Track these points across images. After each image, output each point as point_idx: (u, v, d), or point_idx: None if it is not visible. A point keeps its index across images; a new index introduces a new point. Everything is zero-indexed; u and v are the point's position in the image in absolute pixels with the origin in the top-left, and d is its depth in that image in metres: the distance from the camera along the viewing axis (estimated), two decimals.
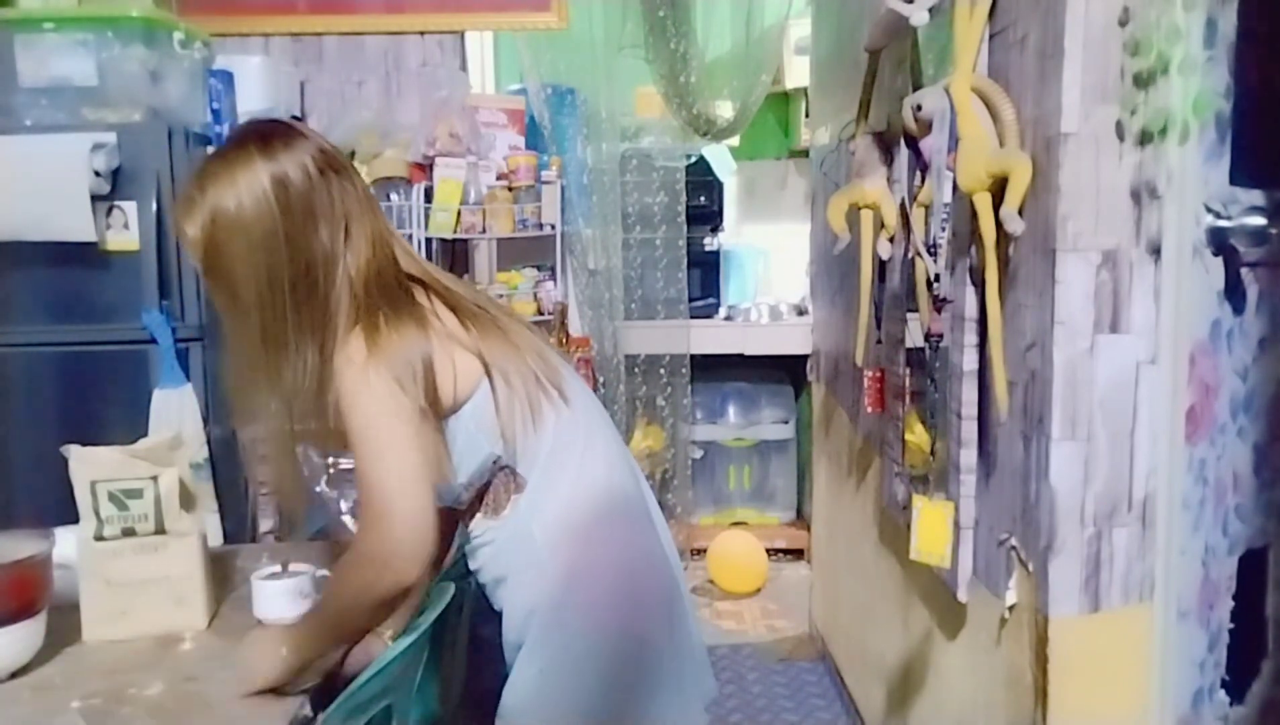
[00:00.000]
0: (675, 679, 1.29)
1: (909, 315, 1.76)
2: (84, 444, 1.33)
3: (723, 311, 3.77)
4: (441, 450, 1.19)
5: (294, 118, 3.09)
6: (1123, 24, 1.22)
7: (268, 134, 1.20)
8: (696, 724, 1.33)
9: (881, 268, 1.86)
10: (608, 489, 1.29)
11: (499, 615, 1.31)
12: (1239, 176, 1.31)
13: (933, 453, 1.66)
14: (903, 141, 1.63)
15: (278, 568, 1.43)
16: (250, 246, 1.15)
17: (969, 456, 1.50)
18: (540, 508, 1.24)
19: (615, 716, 1.24)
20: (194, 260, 1.21)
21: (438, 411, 1.18)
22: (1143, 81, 1.23)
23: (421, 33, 3.19)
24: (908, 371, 1.78)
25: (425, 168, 2.99)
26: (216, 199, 1.16)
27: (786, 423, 3.86)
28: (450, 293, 1.26)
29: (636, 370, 3.60)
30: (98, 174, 2.34)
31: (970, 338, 1.46)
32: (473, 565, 1.31)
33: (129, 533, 1.33)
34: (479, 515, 1.28)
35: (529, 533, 1.24)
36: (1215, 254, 1.31)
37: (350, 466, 2.89)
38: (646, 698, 1.25)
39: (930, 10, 1.48)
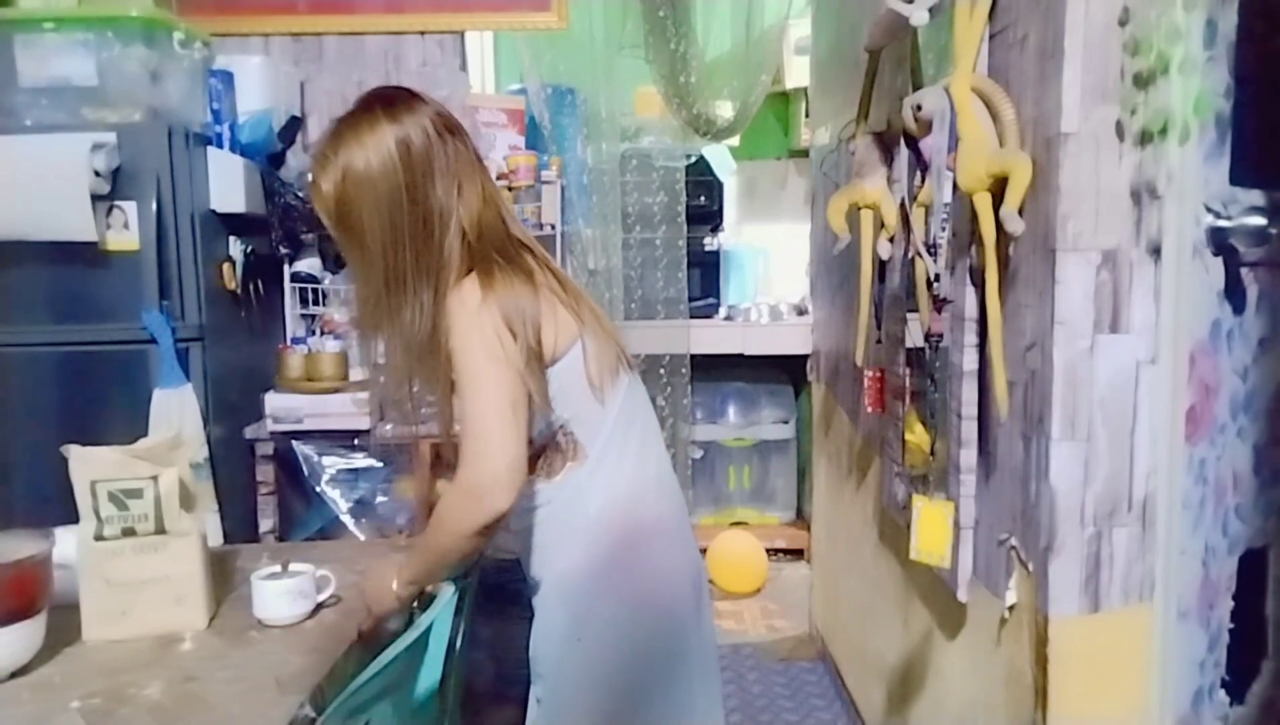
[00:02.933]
0: (700, 664, 1.37)
1: (909, 315, 1.76)
2: (84, 444, 1.33)
3: (723, 311, 3.77)
4: (544, 390, 1.27)
5: (294, 118, 3.10)
6: (1123, 24, 1.22)
7: (392, 98, 1.31)
8: (718, 713, 1.41)
9: (881, 268, 1.86)
10: (658, 476, 1.38)
11: (519, 597, 1.36)
12: (1239, 176, 1.31)
13: (933, 453, 1.66)
14: (903, 141, 1.62)
15: (278, 568, 1.43)
16: (376, 200, 1.26)
17: (969, 456, 1.50)
18: (599, 478, 1.31)
19: (649, 691, 1.32)
20: (324, 213, 1.31)
21: (540, 360, 1.26)
22: (1143, 81, 1.23)
23: (421, 33, 3.19)
24: (908, 371, 1.78)
25: None
26: (348, 158, 1.27)
27: (786, 423, 3.86)
28: (550, 262, 1.37)
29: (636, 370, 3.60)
30: (98, 174, 2.34)
31: (970, 338, 1.46)
32: (520, 524, 1.35)
33: (129, 533, 1.33)
34: (535, 477, 1.32)
35: (584, 504, 1.31)
36: (1215, 254, 1.31)
37: (350, 467, 2.90)
38: (679, 679, 1.33)
39: (930, 10, 1.47)
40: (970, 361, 1.47)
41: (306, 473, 2.86)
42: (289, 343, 2.99)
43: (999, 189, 1.27)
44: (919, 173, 1.58)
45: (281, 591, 1.38)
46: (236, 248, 2.74)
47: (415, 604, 1.35)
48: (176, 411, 2.46)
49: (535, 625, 1.35)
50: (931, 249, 1.45)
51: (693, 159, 3.61)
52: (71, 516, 1.32)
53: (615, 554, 1.30)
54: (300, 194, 2.93)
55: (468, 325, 1.22)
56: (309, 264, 3.09)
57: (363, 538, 2.78)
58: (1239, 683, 1.42)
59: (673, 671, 1.34)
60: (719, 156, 3.74)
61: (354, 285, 1.33)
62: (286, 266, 3.07)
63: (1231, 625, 1.40)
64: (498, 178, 3.09)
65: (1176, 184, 1.26)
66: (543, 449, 1.31)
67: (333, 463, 2.88)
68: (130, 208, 2.43)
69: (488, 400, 1.20)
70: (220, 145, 2.70)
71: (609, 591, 1.30)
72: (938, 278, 1.46)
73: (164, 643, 1.32)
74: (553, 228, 3.12)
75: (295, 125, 3.10)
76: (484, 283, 1.24)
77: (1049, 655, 1.30)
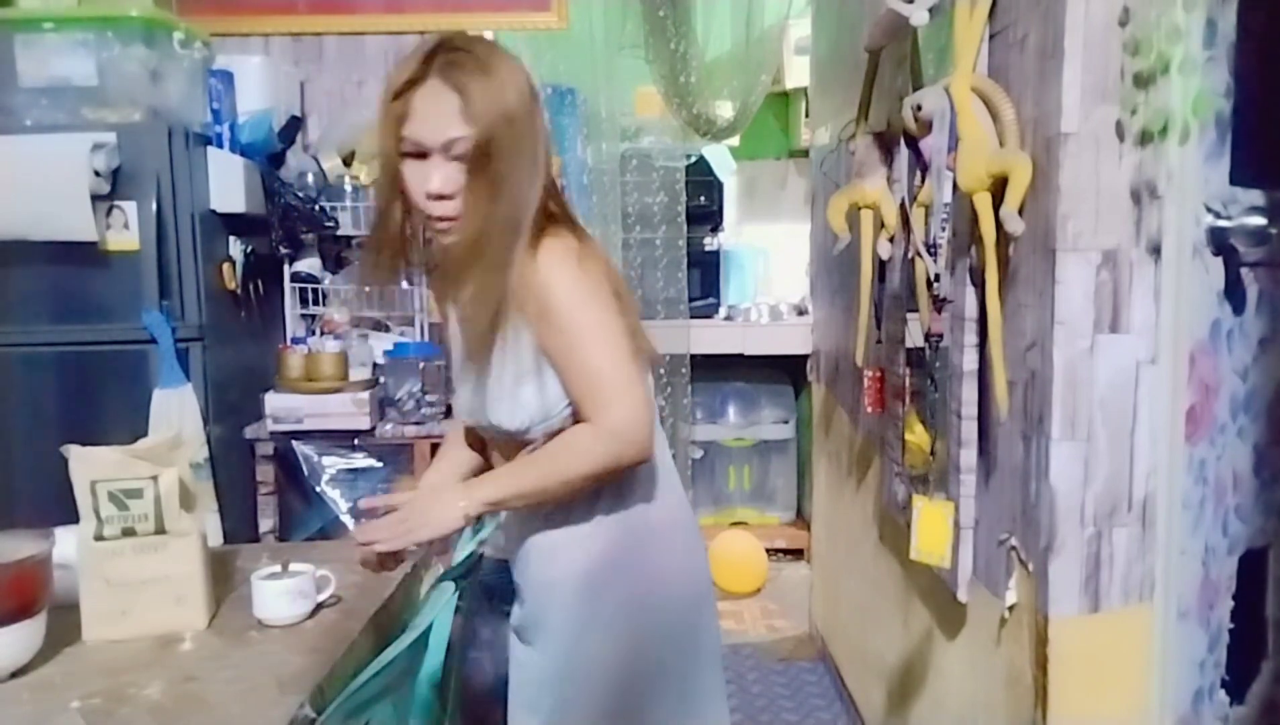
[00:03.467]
0: (710, 659, 1.37)
1: (909, 315, 1.76)
2: (84, 444, 1.33)
3: (723, 311, 3.77)
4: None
5: (294, 118, 3.10)
6: (1123, 24, 1.22)
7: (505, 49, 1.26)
8: (723, 708, 1.41)
9: (881, 268, 1.86)
10: (672, 469, 1.37)
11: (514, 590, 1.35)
12: (1239, 176, 1.31)
13: (933, 453, 1.66)
14: (903, 141, 1.63)
15: (278, 568, 1.43)
16: (518, 131, 1.19)
17: (969, 456, 1.50)
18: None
19: (658, 683, 1.31)
20: (459, 130, 1.18)
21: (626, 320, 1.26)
22: (1143, 81, 1.23)
23: (421, 33, 3.19)
24: (908, 371, 1.78)
25: None
26: (507, 86, 1.19)
27: (786, 423, 3.86)
28: None
29: None
30: (98, 174, 2.34)
31: (970, 338, 1.46)
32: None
33: (129, 533, 1.33)
34: None
35: (620, 489, 1.28)
36: (1215, 254, 1.31)
37: (350, 467, 2.90)
38: (689, 673, 1.33)
39: (930, 10, 1.48)
40: (970, 361, 1.47)
41: (306, 473, 2.86)
42: (289, 343, 3.00)
43: (999, 189, 1.27)
44: (919, 173, 1.58)
45: (281, 591, 1.38)
46: (236, 248, 2.75)
47: (470, 527, 1.30)
48: (176, 411, 2.46)
49: (546, 613, 1.32)
50: (931, 249, 1.45)
51: (693, 159, 3.61)
52: (71, 516, 1.32)
53: (642, 542, 1.30)
54: (300, 194, 2.94)
55: (576, 275, 1.20)
56: (309, 264, 3.09)
57: None
58: (1239, 683, 1.42)
59: (684, 664, 1.33)
60: (719, 156, 3.73)
61: (467, 211, 1.22)
62: (286, 266, 3.07)
63: (1231, 625, 1.40)
64: None
65: (1176, 184, 1.26)
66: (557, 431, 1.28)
67: (333, 463, 2.88)
68: (130, 208, 2.43)
69: (615, 346, 1.20)
70: (220, 145, 2.71)
71: (629, 580, 1.29)
72: (938, 278, 1.46)
73: (164, 643, 1.32)
74: None
75: (295, 125, 3.10)
76: (578, 240, 1.24)
77: (1049, 655, 1.30)
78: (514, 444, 1.29)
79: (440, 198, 1.20)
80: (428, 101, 1.18)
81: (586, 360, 1.20)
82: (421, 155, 1.20)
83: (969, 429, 1.49)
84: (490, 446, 1.39)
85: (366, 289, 3.12)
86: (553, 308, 1.20)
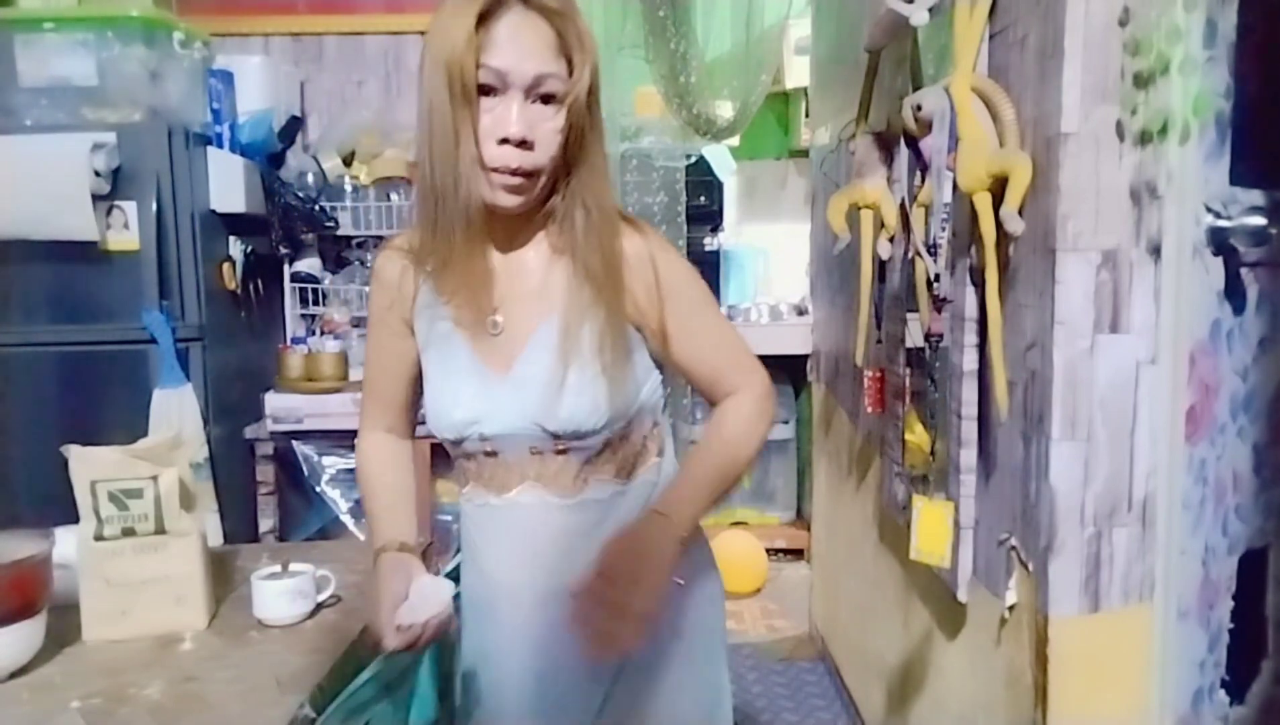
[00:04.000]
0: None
1: (909, 315, 1.76)
2: (84, 444, 1.33)
3: (723, 311, 3.77)
4: None
5: (294, 118, 3.10)
6: (1123, 24, 1.22)
7: None
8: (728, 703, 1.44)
9: (881, 268, 1.86)
10: None
11: None
12: (1239, 176, 1.31)
13: (933, 453, 1.66)
14: (903, 141, 1.63)
15: (278, 568, 1.43)
16: (599, 84, 1.13)
17: (969, 456, 1.50)
18: (667, 469, 1.31)
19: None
20: (551, 65, 1.05)
21: None
22: (1143, 81, 1.23)
23: (421, 33, 3.18)
24: (908, 371, 1.78)
25: None
26: (586, 25, 1.10)
27: (786, 423, 3.86)
28: None
29: None
30: (98, 174, 2.34)
31: (970, 338, 1.46)
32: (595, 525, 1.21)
33: (129, 533, 1.33)
34: (606, 477, 1.20)
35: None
36: (1215, 254, 1.31)
37: (350, 467, 2.90)
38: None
39: (930, 10, 1.48)
40: (970, 361, 1.47)
41: (306, 473, 2.86)
42: (289, 343, 3.00)
43: (999, 189, 1.27)
44: (919, 173, 1.58)
45: (281, 591, 1.38)
46: (236, 248, 2.75)
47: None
48: (176, 411, 2.46)
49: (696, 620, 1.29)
50: (931, 249, 1.45)
51: (693, 159, 3.61)
52: (71, 516, 1.32)
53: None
54: (300, 194, 2.94)
55: (688, 265, 1.23)
56: (309, 264, 3.09)
57: (363, 538, 2.79)
58: (1239, 683, 1.42)
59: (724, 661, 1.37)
60: (719, 156, 3.73)
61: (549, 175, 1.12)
62: (286, 266, 3.07)
63: (1231, 625, 1.40)
64: None
65: (1176, 184, 1.26)
66: (621, 441, 1.21)
67: (333, 463, 2.88)
68: (130, 208, 2.43)
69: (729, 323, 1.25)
70: (220, 145, 2.71)
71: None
72: (938, 278, 1.46)
73: (164, 643, 1.32)
74: None
75: (295, 125, 3.10)
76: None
77: (1049, 655, 1.30)
78: (544, 453, 1.17)
79: (520, 145, 1.05)
80: (516, 28, 1.03)
81: (725, 329, 1.23)
82: (492, 93, 1.05)
83: (969, 429, 1.49)
84: (489, 465, 1.21)
85: (368, 287, 3.12)
86: (680, 283, 1.20)
